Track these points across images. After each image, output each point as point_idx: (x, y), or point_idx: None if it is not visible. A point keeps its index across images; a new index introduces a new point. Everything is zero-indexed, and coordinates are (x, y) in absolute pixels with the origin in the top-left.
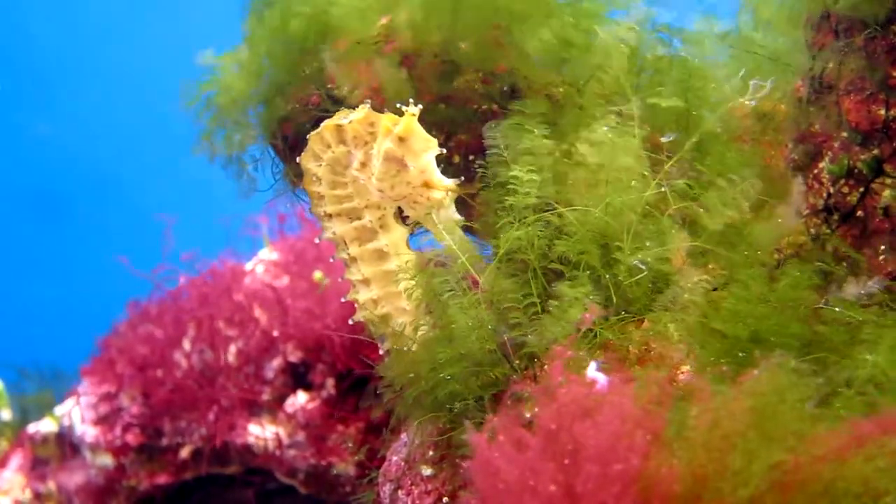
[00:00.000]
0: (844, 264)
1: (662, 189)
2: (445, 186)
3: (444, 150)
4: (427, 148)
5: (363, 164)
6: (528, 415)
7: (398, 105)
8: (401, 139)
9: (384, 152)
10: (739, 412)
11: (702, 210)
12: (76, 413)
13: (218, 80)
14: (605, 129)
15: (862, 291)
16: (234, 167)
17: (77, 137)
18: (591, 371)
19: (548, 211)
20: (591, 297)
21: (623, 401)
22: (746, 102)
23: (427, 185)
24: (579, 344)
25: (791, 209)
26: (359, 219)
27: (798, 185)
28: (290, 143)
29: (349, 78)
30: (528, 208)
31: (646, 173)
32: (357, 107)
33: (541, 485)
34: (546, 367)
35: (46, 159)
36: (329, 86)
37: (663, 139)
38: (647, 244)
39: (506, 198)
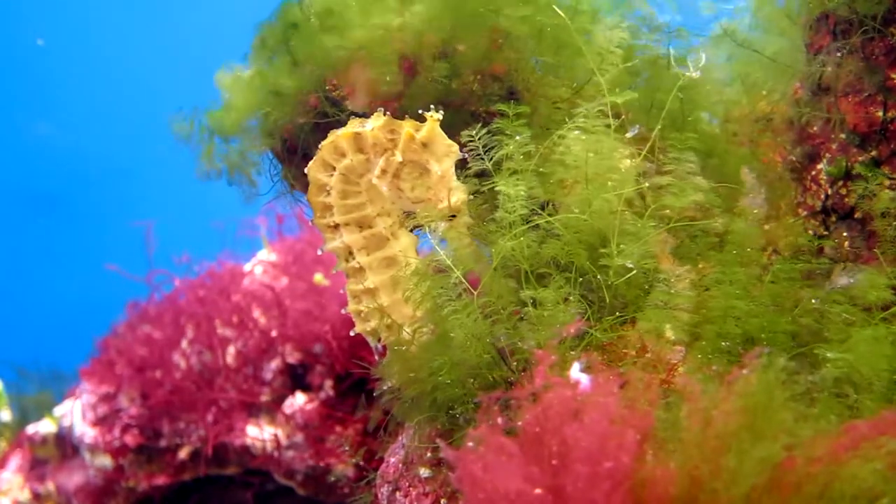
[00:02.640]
0: (832, 262)
1: (645, 186)
2: (460, 198)
3: (466, 156)
4: (449, 153)
5: (384, 171)
6: (518, 419)
7: (420, 111)
8: (424, 144)
9: (408, 157)
10: (731, 412)
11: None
12: (75, 414)
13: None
14: (589, 128)
15: (851, 281)
16: (234, 171)
17: (77, 137)
18: (575, 372)
19: (536, 214)
20: (574, 300)
21: (609, 401)
22: (693, 75)
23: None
24: (572, 346)
25: (756, 200)
26: (370, 227)
27: (749, 179)
28: (288, 145)
29: (347, 81)
30: (517, 215)
31: (632, 172)
32: (352, 108)
33: (525, 490)
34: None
35: (46, 159)
36: (327, 88)
37: (628, 134)
38: (632, 244)
39: (496, 212)
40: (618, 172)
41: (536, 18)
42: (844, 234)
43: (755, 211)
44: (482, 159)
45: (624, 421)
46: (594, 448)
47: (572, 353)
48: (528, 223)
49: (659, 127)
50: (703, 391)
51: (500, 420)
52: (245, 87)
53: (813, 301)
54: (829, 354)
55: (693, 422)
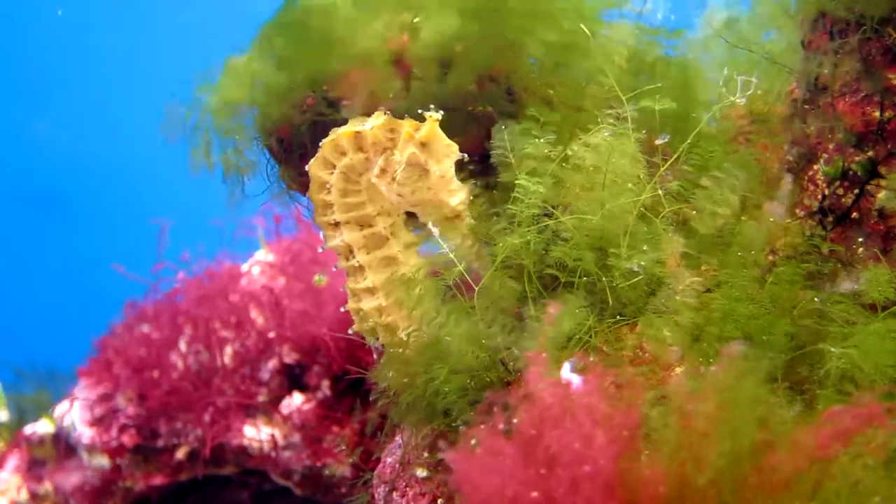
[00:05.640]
0: (840, 265)
1: (657, 192)
2: (461, 198)
3: (465, 156)
4: (448, 153)
5: (383, 171)
6: (514, 421)
7: (420, 111)
8: (423, 144)
9: (407, 157)
10: (708, 409)
11: (694, 212)
12: (73, 414)
13: (215, 86)
14: (606, 132)
15: (855, 287)
16: (231, 172)
17: (75, 137)
18: (565, 372)
19: (546, 215)
20: (579, 303)
21: (594, 402)
22: (737, 101)
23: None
24: (573, 349)
25: (780, 207)
26: (370, 226)
27: (786, 183)
28: (285, 145)
29: (345, 81)
30: (529, 216)
31: (642, 176)
32: (348, 115)
33: (521, 492)
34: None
35: (44, 159)
36: (324, 88)
37: (657, 141)
38: (643, 248)
39: (509, 206)
40: (634, 179)
41: (542, 10)
42: (860, 239)
43: (770, 220)
44: (507, 158)
45: (608, 420)
46: (578, 451)
47: (569, 353)
48: (536, 223)
49: (690, 141)
50: (690, 390)
51: (499, 421)
52: (237, 74)
53: (816, 299)
54: (833, 350)
55: (676, 420)
